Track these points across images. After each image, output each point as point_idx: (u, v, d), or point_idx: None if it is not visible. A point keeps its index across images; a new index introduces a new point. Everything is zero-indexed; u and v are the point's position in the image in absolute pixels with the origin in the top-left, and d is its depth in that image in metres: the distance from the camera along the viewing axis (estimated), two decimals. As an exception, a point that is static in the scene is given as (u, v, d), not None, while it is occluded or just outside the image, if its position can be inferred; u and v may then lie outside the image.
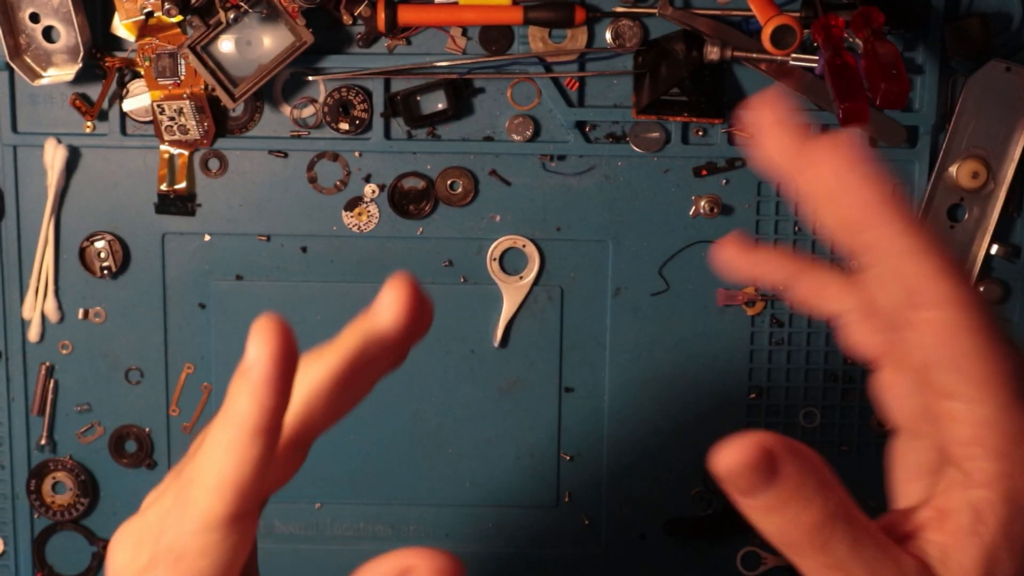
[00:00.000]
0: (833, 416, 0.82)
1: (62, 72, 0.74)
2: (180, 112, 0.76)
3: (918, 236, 0.37)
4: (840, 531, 0.36)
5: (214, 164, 0.78)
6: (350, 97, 0.77)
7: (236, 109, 0.77)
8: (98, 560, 0.83)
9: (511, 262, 0.80)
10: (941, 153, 0.77)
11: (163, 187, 0.78)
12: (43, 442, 0.81)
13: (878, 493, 0.86)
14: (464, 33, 0.77)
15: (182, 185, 0.78)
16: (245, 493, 0.40)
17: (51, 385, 0.81)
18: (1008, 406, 0.35)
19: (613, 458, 0.82)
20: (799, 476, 0.35)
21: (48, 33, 0.74)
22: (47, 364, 0.80)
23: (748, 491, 0.35)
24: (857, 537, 0.36)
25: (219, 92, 0.74)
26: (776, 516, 0.35)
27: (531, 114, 0.78)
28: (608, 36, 0.76)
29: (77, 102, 0.76)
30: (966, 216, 0.78)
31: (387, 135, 0.78)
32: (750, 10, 0.74)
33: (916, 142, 0.78)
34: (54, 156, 0.77)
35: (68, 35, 0.74)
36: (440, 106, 0.77)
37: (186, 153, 0.77)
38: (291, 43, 0.73)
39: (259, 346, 0.41)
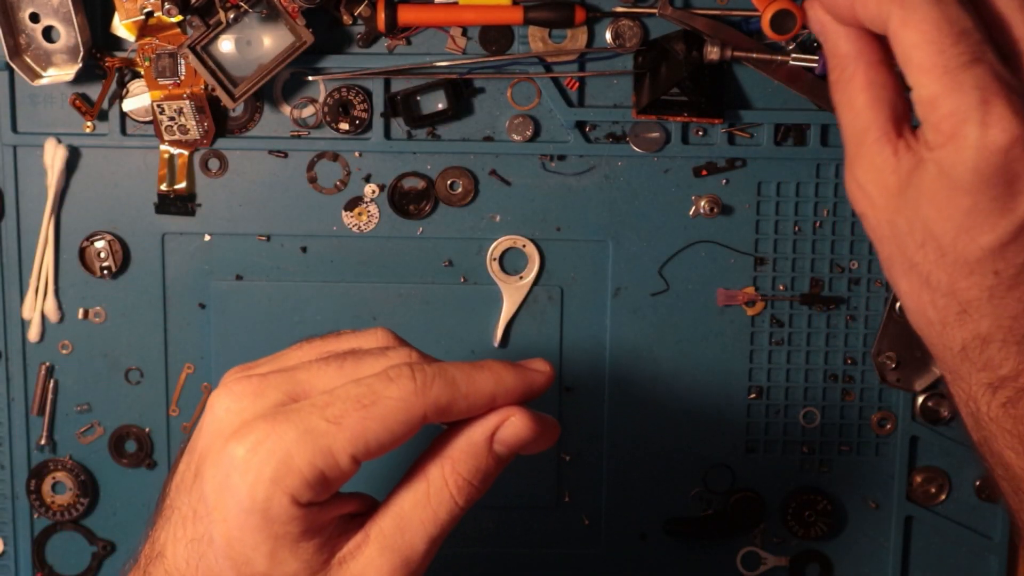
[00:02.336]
0: (833, 416, 0.82)
1: (62, 72, 0.74)
2: (180, 112, 0.76)
3: None
4: (860, 74, 0.48)
5: (214, 164, 0.78)
6: (350, 97, 0.77)
7: (236, 109, 0.77)
8: (98, 560, 0.83)
9: (511, 262, 0.80)
10: (941, 153, 0.77)
11: (163, 187, 0.78)
12: (43, 442, 0.81)
13: (880, 493, 0.87)
14: (464, 33, 0.77)
15: (182, 185, 0.78)
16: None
17: (51, 385, 0.81)
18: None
19: (613, 458, 0.82)
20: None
21: (48, 33, 0.74)
22: (47, 364, 0.80)
23: None
24: (873, 99, 0.49)
25: (219, 92, 0.74)
26: None
27: (531, 114, 0.78)
28: (608, 36, 0.76)
29: (77, 102, 0.76)
30: (966, 216, 0.78)
31: (387, 135, 0.78)
32: (750, 10, 0.74)
33: (916, 142, 0.78)
34: (54, 156, 0.77)
35: (68, 35, 0.74)
36: (440, 106, 0.77)
37: (186, 153, 0.77)
38: (291, 43, 0.73)
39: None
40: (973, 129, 0.42)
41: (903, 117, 0.48)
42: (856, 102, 0.48)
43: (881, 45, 0.48)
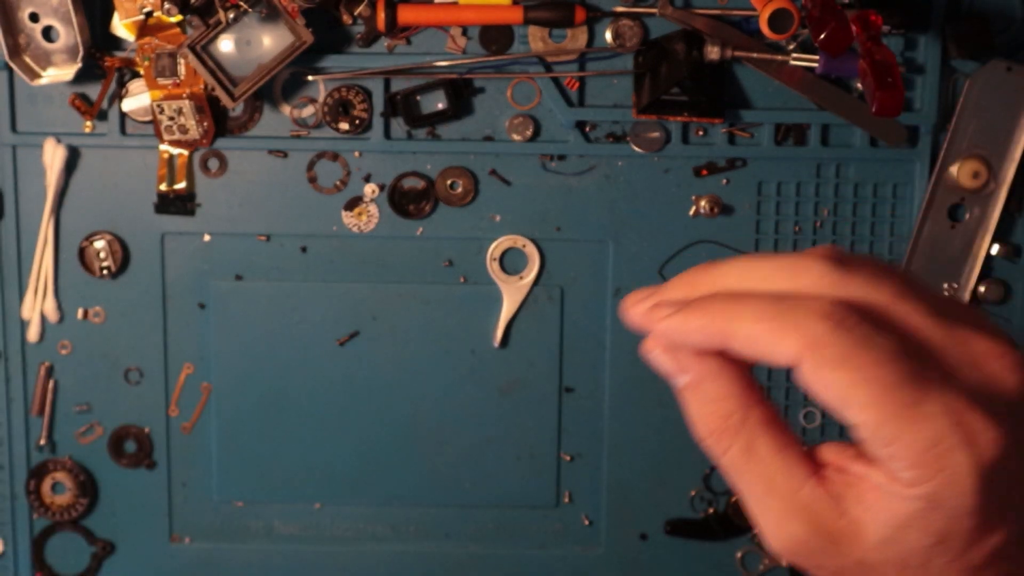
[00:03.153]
0: (834, 416, 0.81)
1: (61, 72, 0.74)
2: (180, 112, 0.76)
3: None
4: (755, 426, 0.42)
5: (214, 164, 0.78)
6: (350, 97, 0.77)
7: (236, 109, 0.77)
8: (98, 561, 0.83)
9: (511, 262, 0.80)
10: (942, 153, 0.77)
11: (163, 187, 0.78)
12: (42, 442, 0.81)
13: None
14: (464, 33, 0.76)
15: (182, 185, 0.78)
16: None
17: (50, 385, 0.80)
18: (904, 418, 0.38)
19: (613, 458, 0.82)
20: (703, 370, 0.42)
21: (47, 33, 0.74)
22: (46, 364, 0.80)
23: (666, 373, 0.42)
24: (775, 439, 0.41)
25: (219, 92, 0.74)
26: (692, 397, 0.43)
27: (531, 114, 0.78)
28: (608, 36, 0.76)
29: (76, 102, 0.76)
30: (967, 216, 0.78)
31: (387, 135, 0.77)
32: (750, 9, 0.74)
33: (917, 142, 0.78)
34: (53, 156, 0.77)
35: (67, 35, 0.74)
36: (440, 106, 0.76)
37: (186, 153, 0.77)
38: (291, 43, 0.73)
39: None
40: (961, 455, 0.38)
41: (808, 448, 0.42)
42: (761, 452, 0.42)
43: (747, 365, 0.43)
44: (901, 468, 0.39)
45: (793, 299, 0.40)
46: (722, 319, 0.41)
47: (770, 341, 0.39)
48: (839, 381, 0.39)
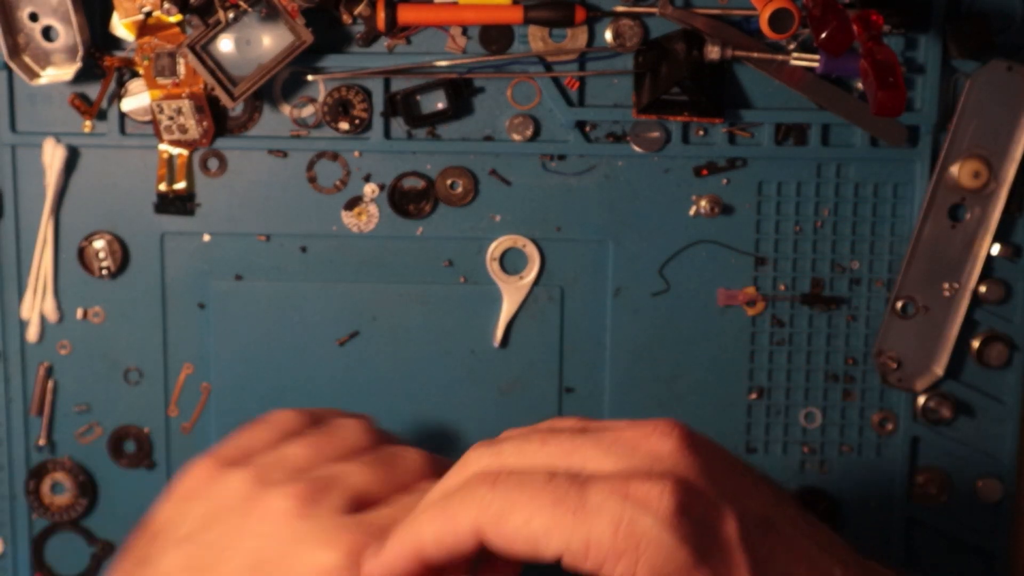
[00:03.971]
0: (834, 416, 0.81)
1: (61, 71, 0.74)
2: (179, 112, 0.76)
3: None
4: None
5: (213, 164, 0.78)
6: (350, 97, 0.77)
7: (235, 109, 0.77)
8: (97, 561, 0.82)
9: (511, 262, 0.80)
10: (943, 153, 0.77)
11: (162, 187, 0.78)
12: (42, 443, 0.81)
13: (882, 494, 0.86)
14: (464, 32, 0.76)
15: (181, 185, 0.78)
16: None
17: (50, 385, 0.80)
18: None
19: (613, 458, 0.82)
20: None
21: (47, 32, 0.74)
22: (46, 364, 0.80)
23: None
24: None
25: (218, 92, 0.74)
26: None
27: (531, 114, 0.78)
28: (608, 36, 0.76)
29: (76, 102, 0.76)
30: (967, 216, 0.78)
31: (387, 135, 0.77)
32: (750, 9, 0.73)
33: (917, 142, 0.78)
34: (53, 156, 0.77)
35: (67, 34, 0.74)
36: (440, 106, 0.76)
37: (185, 153, 0.77)
38: (291, 42, 0.73)
39: None
40: (645, 519, 0.41)
41: None
42: None
43: None
44: (615, 570, 0.41)
45: (455, 488, 0.44)
46: (409, 545, 0.43)
47: (449, 531, 0.42)
48: (515, 526, 0.41)
